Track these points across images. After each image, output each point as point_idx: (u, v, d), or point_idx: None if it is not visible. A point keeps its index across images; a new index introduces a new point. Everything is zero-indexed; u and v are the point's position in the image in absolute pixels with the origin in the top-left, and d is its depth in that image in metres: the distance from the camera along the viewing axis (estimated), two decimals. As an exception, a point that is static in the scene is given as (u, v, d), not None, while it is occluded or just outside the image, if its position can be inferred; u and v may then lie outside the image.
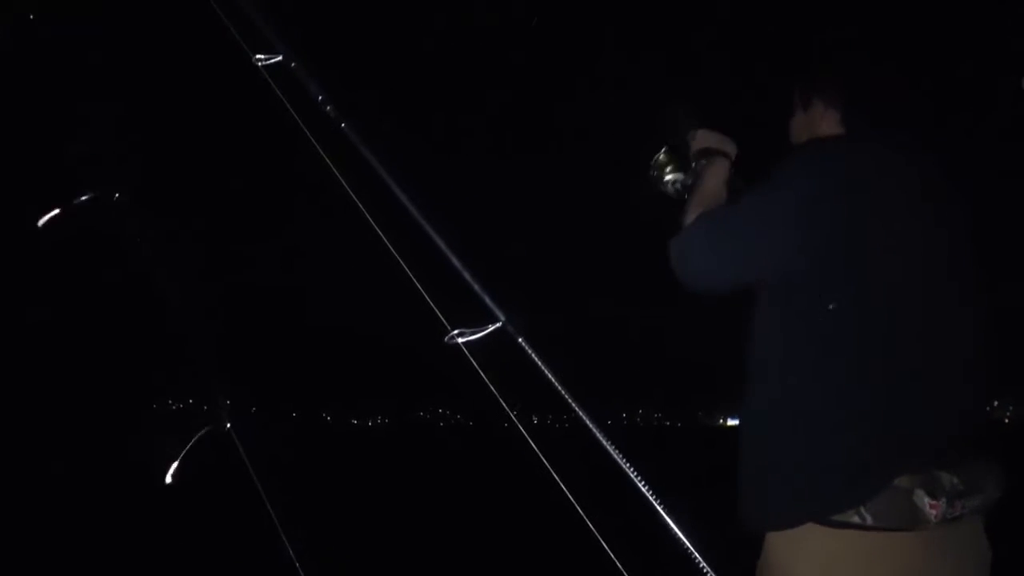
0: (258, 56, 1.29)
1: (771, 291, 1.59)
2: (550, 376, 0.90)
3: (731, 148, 1.88)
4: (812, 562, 1.47)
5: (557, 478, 1.03)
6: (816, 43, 1.87)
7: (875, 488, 1.44)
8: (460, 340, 0.88)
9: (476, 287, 0.98)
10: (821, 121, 1.74)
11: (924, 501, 1.44)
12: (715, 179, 1.80)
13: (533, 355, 0.89)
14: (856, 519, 1.44)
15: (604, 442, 0.94)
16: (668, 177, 1.95)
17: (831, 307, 1.49)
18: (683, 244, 1.61)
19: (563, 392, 0.89)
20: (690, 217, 1.67)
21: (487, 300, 0.96)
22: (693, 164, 1.90)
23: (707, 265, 1.58)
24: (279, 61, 1.24)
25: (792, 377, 1.52)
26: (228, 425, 1.88)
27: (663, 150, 1.97)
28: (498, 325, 0.95)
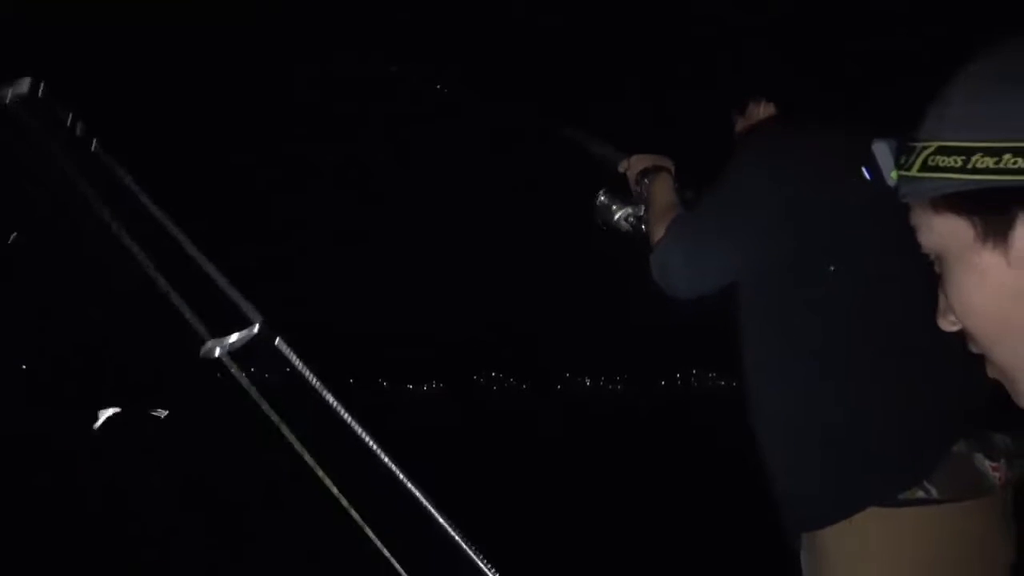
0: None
1: (759, 283, 1.55)
2: (315, 383, 0.76)
3: (668, 163, 1.84)
4: (881, 545, 1.43)
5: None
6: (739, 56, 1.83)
7: (935, 459, 1.41)
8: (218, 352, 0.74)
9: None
10: (761, 116, 1.73)
11: (986, 465, 1.41)
12: (666, 191, 1.76)
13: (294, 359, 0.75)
14: (921, 494, 1.40)
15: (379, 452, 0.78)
16: (618, 214, 1.87)
17: (831, 268, 1.45)
18: (663, 254, 1.57)
19: (331, 401, 0.76)
20: (659, 230, 1.63)
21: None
22: (636, 190, 1.84)
23: (692, 266, 1.54)
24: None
25: (810, 367, 1.48)
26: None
27: (600, 192, 1.90)
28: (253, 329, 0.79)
